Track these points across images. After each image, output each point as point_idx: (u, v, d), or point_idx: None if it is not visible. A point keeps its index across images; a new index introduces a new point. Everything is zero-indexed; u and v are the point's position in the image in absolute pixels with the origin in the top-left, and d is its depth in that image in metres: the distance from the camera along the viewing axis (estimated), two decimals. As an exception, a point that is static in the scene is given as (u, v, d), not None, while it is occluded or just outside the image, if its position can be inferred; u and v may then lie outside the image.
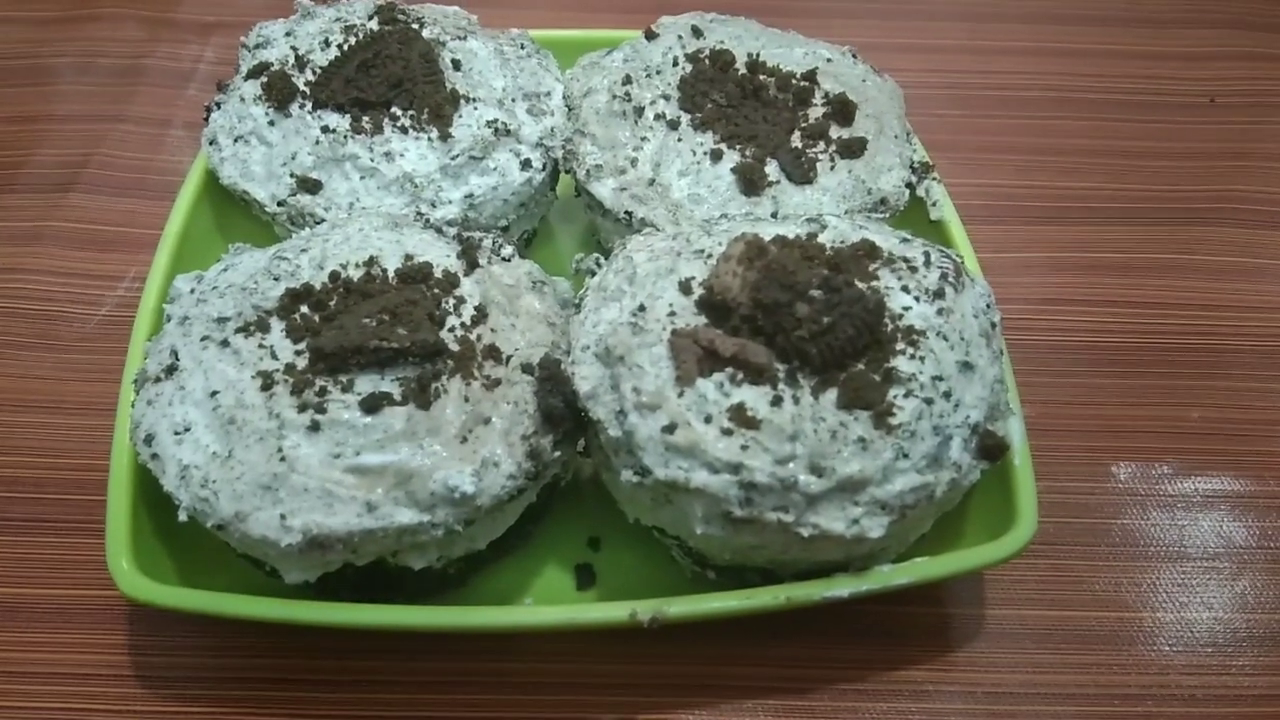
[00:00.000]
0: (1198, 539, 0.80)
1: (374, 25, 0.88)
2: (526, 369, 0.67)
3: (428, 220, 0.79)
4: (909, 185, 0.84)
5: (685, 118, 0.84)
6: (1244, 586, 0.78)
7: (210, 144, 0.85)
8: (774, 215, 0.79)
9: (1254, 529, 0.81)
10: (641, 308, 0.67)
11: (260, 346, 0.66)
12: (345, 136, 0.81)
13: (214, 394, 0.64)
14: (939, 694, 0.72)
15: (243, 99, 0.85)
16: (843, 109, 0.84)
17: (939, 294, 0.67)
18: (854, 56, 0.92)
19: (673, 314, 0.66)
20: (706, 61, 0.87)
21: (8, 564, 0.77)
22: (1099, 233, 1.02)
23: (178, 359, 0.67)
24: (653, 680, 0.72)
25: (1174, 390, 0.90)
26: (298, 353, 0.66)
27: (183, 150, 1.07)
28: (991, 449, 0.64)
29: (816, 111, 0.85)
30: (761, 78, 0.86)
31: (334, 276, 0.70)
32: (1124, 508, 0.82)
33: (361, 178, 0.81)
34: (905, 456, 0.61)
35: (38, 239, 0.98)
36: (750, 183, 0.80)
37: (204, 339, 0.67)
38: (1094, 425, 0.87)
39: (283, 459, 0.61)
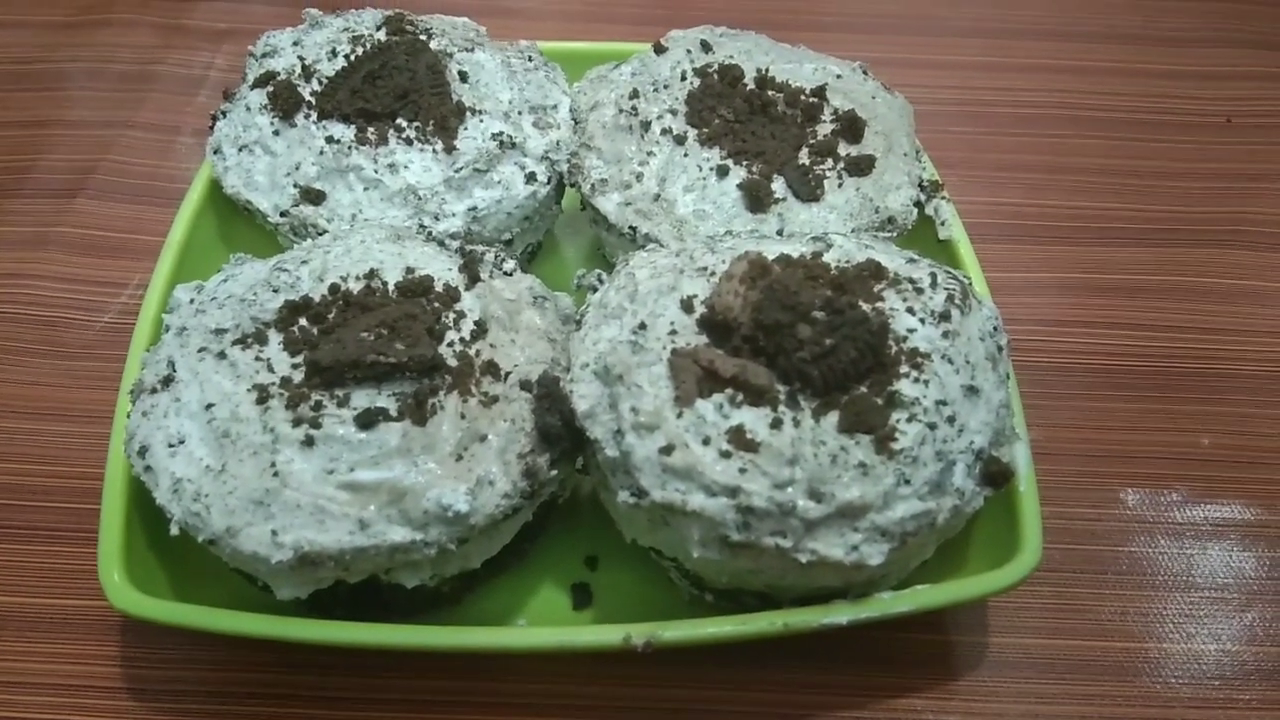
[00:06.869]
0: (1206, 569, 0.79)
1: (382, 36, 0.88)
2: (525, 386, 0.66)
3: (430, 233, 0.78)
4: (917, 204, 0.83)
5: (692, 133, 0.83)
6: (1252, 618, 0.76)
7: (215, 153, 0.84)
8: (780, 233, 0.78)
9: (1264, 559, 0.79)
10: (642, 325, 0.67)
11: (257, 359, 0.66)
12: (349, 147, 0.81)
13: (209, 406, 0.64)
14: (939, 723, 0.71)
15: (248, 108, 0.84)
16: (851, 126, 0.83)
17: (945, 316, 0.66)
18: (864, 73, 0.91)
19: (674, 333, 0.66)
20: (715, 76, 0.86)
21: (5, 572, 0.76)
22: (1110, 254, 1.01)
23: (174, 370, 0.67)
24: (647, 704, 0.71)
25: (1184, 415, 0.88)
26: (294, 366, 0.65)
27: (191, 157, 1.08)
28: (996, 475, 0.63)
29: (825, 128, 0.84)
30: (770, 93, 0.85)
31: (334, 289, 0.69)
32: (1131, 535, 0.81)
33: (365, 189, 0.80)
34: (907, 482, 0.60)
35: (43, 244, 0.98)
36: (756, 199, 0.79)
37: (201, 350, 0.67)
38: (1102, 450, 0.85)
39: (276, 474, 0.60)
